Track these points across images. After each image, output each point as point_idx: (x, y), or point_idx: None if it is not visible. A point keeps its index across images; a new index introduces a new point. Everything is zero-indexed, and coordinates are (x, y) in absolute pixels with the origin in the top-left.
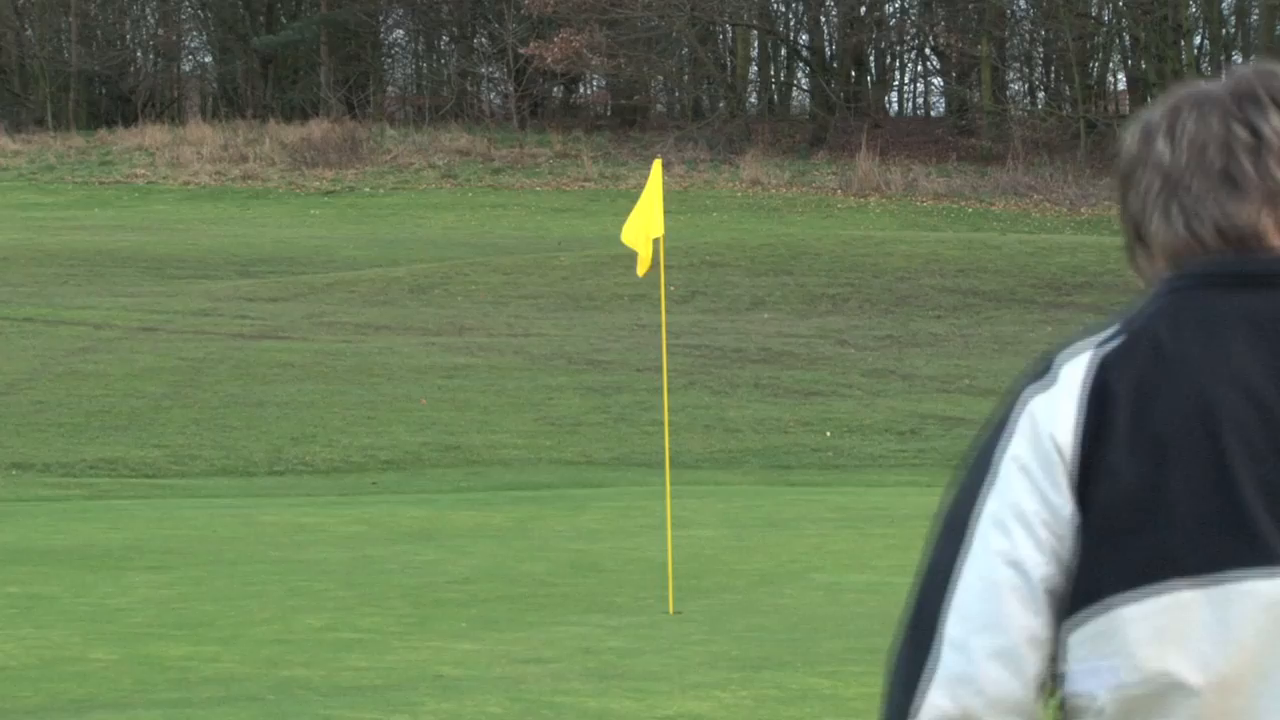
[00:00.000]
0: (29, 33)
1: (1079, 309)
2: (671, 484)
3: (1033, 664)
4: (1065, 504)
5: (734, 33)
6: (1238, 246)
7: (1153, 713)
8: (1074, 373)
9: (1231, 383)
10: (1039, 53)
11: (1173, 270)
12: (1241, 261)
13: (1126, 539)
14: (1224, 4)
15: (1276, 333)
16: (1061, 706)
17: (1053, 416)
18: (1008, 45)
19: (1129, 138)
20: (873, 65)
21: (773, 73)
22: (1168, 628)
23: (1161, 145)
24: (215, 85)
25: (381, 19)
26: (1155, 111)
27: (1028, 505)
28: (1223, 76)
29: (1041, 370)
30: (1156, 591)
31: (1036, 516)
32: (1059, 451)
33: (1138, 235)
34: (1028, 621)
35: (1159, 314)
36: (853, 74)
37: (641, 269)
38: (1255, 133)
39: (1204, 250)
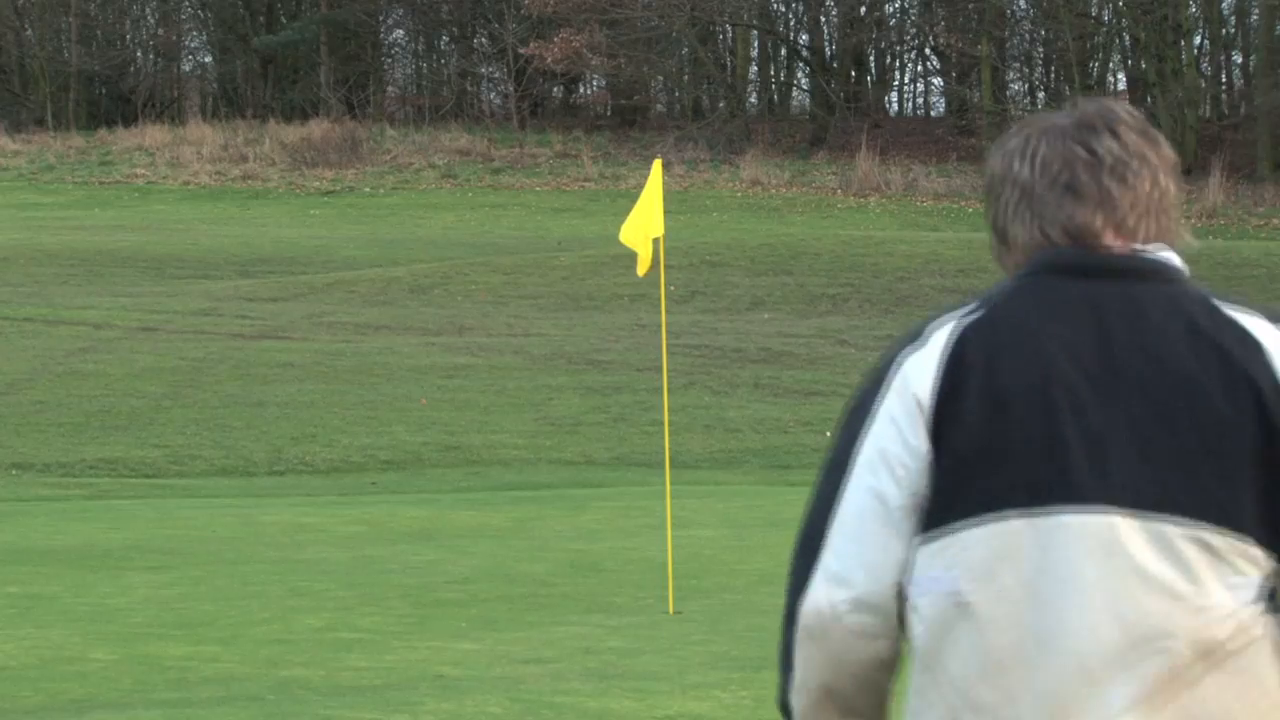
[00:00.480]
0: (29, 33)
1: None
2: (671, 484)
3: (889, 572)
4: (921, 445)
5: (734, 33)
6: (1079, 243)
7: (976, 622)
8: (939, 338)
9: (1066, 352)
10: (1039, 53)
11: (1023, 266)
12: (1080, 254)
13: (972, 477)
14: (1224, 4)
15: (1106, 312)
16: (914, 612)
17: (919, 374)
18: (1008, 45)
19: (993, 161)
20: (873, 65)
21: (773, 73)
22: (1000, 548)
23: (1018, 165)
24: (215, 85)
25: (381, 19)
26: (1012, 139)
27: (892, 449)
28: (1068, 108)
29: (915, 334)
30: (993, 519)
31: (898, 459)
32: (919, 404)
33: (1002, 238)
34: (887, 541)
35: (1012, 294)
36: (853, 74)
37: (641, 269)
38: (1092, 152)
39: (1065, 242)
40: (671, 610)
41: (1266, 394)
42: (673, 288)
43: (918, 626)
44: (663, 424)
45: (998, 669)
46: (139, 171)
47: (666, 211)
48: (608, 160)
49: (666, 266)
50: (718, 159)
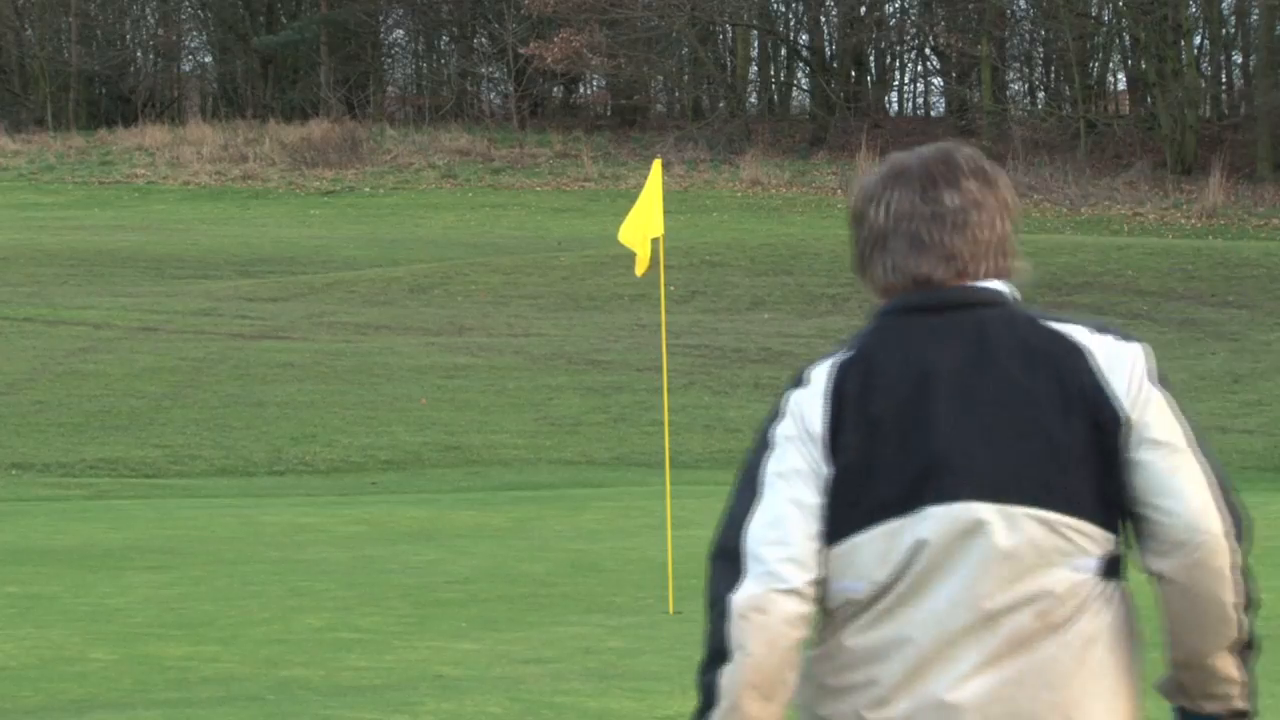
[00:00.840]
0: (29, 33)
1: (1079, 309)
2: (671, 484)
3: (810, 569)
4: (823, 468)
5: (734, 33)
6: (924, 287)
7: (868, 608)
8: (819, 378)
9: (924, 376)
10: (1039, 53)
11: (884, 300)
12: (924, 296)
13: (857, 493)
14: (1224, 4)
15: (954, 339)
16: (824, 606)
17: (810, 410)
18: (1008, 45)
19: (855, 197)
20: (873, 65)
21: (773, 73)
22: (885, 549)
23: (874, 212)
24: (215, 85)
25: (381, 19)
26: (872, 181)
27: (800, 465)
28: (916, 151)
29: (798, 379)
30: (879, 525)
31: (806, 471)
32: (811, 434)
33: (862, 268)
34: (804, 540)
35: (874, 334)
36: (853, 74)
37: (640, 269)
38: (937, 205)
39: (902, 289)
40: (671, 610)
41: (1089, 393)
42: (673, 288)
43: (829, 615)
44: (663, 424)
45: (891, 642)
46: (139, 171)
47: (666, 211)
48: (608, 160)
49: (666, 266)
50: (718, 159)
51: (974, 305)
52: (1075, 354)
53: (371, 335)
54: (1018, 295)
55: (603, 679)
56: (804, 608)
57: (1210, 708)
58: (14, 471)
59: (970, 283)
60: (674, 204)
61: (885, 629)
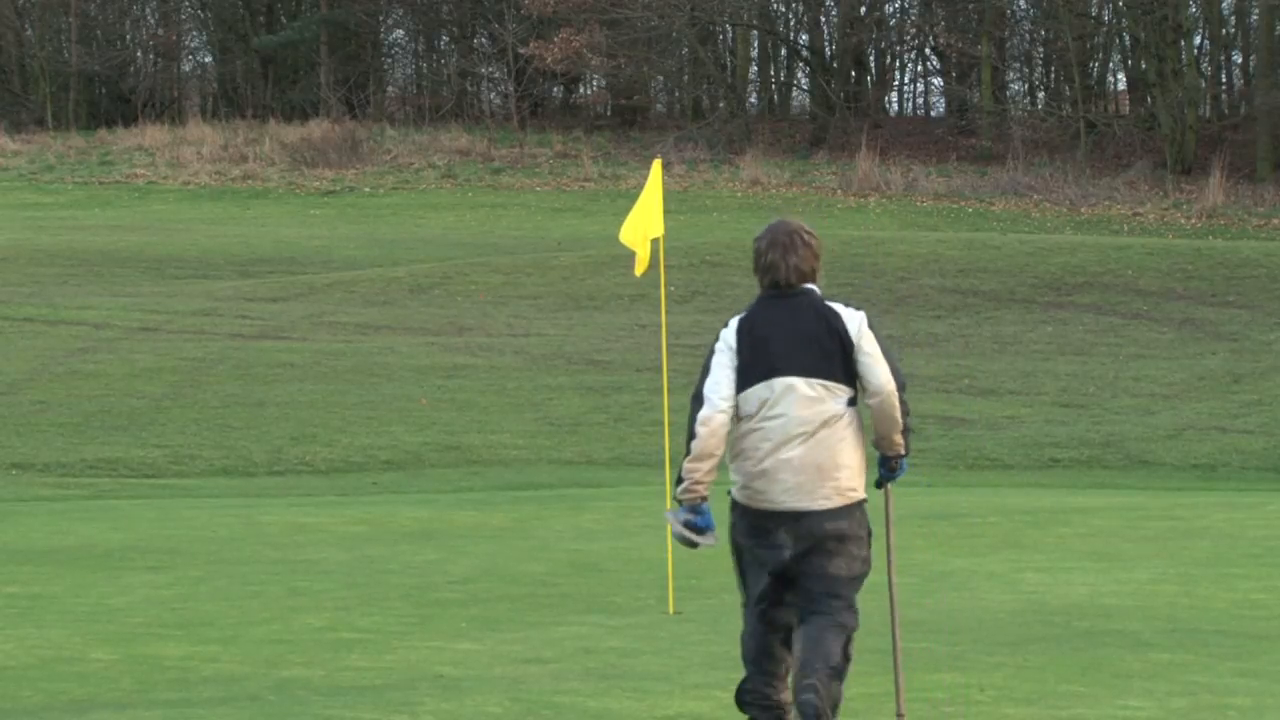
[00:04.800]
0: (29, 33)
1: (1079, 309)
2: (671, 484)
3: (730, 402)
4: (734, 360)
5: (734, 33)
6: (777, 287)
7: (753, 419)
8: (734, 325)
9: (776, 324)
10: (1039, 53)
11: (762, 290)
12: (779, 290)
13: (746, 373)
14: (1224, 4)
15: (785, 310)
16: (736, 418)
17: (729, 337)
18: (1008, 45)
19: (758, 245)
20: (873, 65)
21: (773, 73)
22: (761, 394)
23: (766, 256)
24: (215, 85)
25: (381, 19)
26: (763, 239)
27: (725, 360)
28: (778, 225)
29: (726, 325)
30: (758, 384)
31: (728, 364)
32: (731, 348)
33: (759, 278)
34: (728, 391)
35: (757, 305)
36: (853, 74)
37: (639, 269)
38: (787, 253)
39: (772, 286)
40: (671, 610)
41: (840, 332)
42: (673, 288)
43: (739, 424)
44: (663, 424)
45: (761, 436)
46: (139, 171)
47: (666, 211)
48: (608, 160)
49: (666, 266)
50: (718, 159)
51: (798, 294)
52: (835, 315)
53: (371, 335)
54: (819, 290)
55: (603, 679)
56: (727, 418)
57: (890, 452)
58: (14, 471)
59: (796, 285)
60: (674, 204)
61: (760, 429)
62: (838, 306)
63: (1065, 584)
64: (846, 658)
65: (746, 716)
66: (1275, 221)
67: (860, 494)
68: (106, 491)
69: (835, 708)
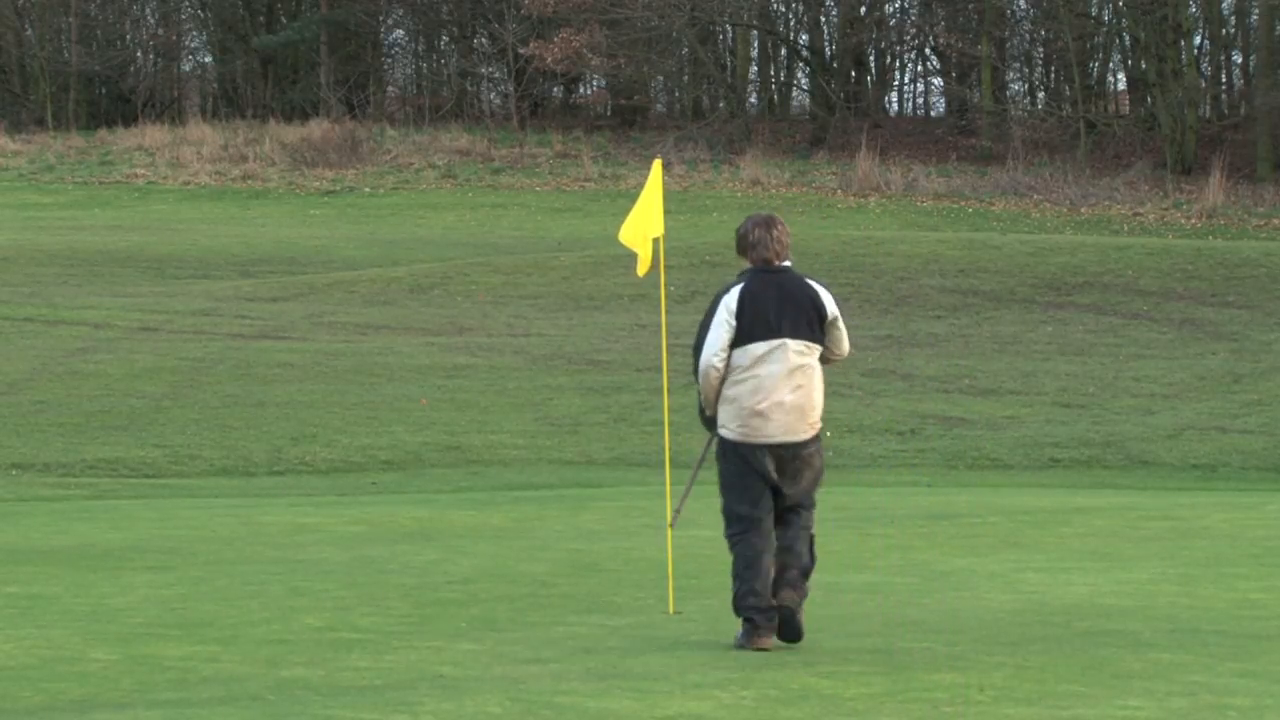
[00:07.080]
0: (29, 33)
1: (1079, 309)
2: (671, 484)
3: (724, 355)
4: (733, 321)
5: (734, 33)
6: (766, 263)
7: (747, 370)
8: (735, 291)
9: (768, 294)
10: (1039, 53)
11: (752, 265)
12: (767, 266)
13: (748, 331)
14: (1224, 4)
15: (775, 284)
16: (730, 368)
17: (730, 302)
18: (1008, 45)
19: (742, 229)
20: (873, 65)
21: (773, 73)
22: (760, 351)
23: (752, 236)
24: (215, 85)
25: (381, 19)
26: (749, 223)
27: (725, 320)
28: (759, 214)
29: (726, 290)
30: (758, 342)
31: (726, 324)
32: (731, 311)
33: (743, 255)
34: (725, 345)
35: (750, 276)
36: (853, 74)
37: (641, 269)
38: (769, 234)
39: (761, 263)
40: (671, 610)
41: (819, 307)
42: (673, 288)
43: (732, 373)
44: (663, 424)
45: (757, 384)
46: (139, 171)
47: (666, 211)
48: (608, 160)
49: (666, 266)
50: (718, 159)
51: (782, 270)
52: (815, 292)
53: (371, 335)
54: (795, 266)
55: (603, 679)
56: (720, 372)
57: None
58: (14, 471)
59: (779, 263)
60: (674, 204)
61: (755, 378)
62: (815, 285)
63: (1065, 584)
64: (813, 558)
65: (743, 619)
66: (1275, 221)
67: (820, 425)
68: (106, 491)
69: (804, 597)
